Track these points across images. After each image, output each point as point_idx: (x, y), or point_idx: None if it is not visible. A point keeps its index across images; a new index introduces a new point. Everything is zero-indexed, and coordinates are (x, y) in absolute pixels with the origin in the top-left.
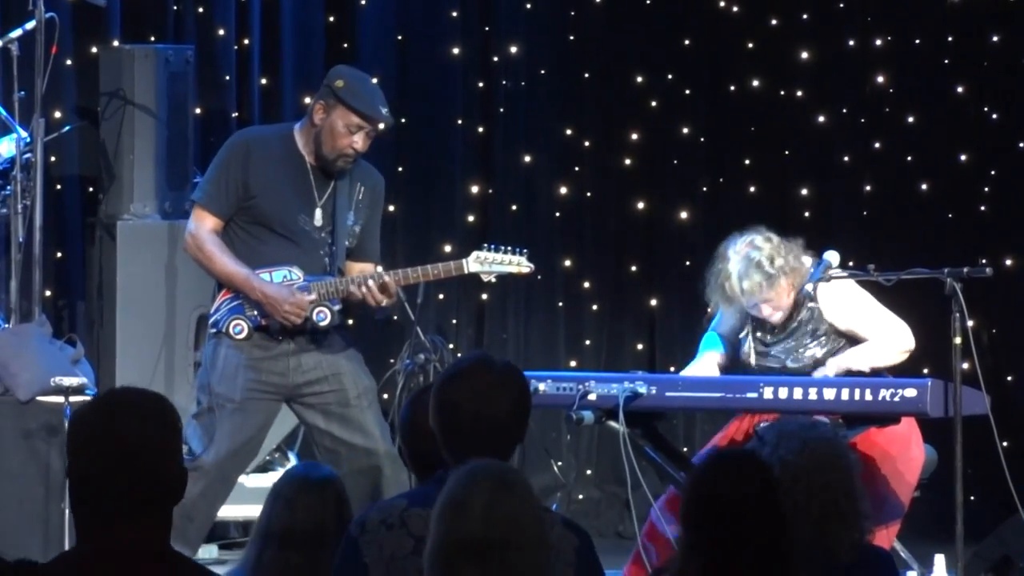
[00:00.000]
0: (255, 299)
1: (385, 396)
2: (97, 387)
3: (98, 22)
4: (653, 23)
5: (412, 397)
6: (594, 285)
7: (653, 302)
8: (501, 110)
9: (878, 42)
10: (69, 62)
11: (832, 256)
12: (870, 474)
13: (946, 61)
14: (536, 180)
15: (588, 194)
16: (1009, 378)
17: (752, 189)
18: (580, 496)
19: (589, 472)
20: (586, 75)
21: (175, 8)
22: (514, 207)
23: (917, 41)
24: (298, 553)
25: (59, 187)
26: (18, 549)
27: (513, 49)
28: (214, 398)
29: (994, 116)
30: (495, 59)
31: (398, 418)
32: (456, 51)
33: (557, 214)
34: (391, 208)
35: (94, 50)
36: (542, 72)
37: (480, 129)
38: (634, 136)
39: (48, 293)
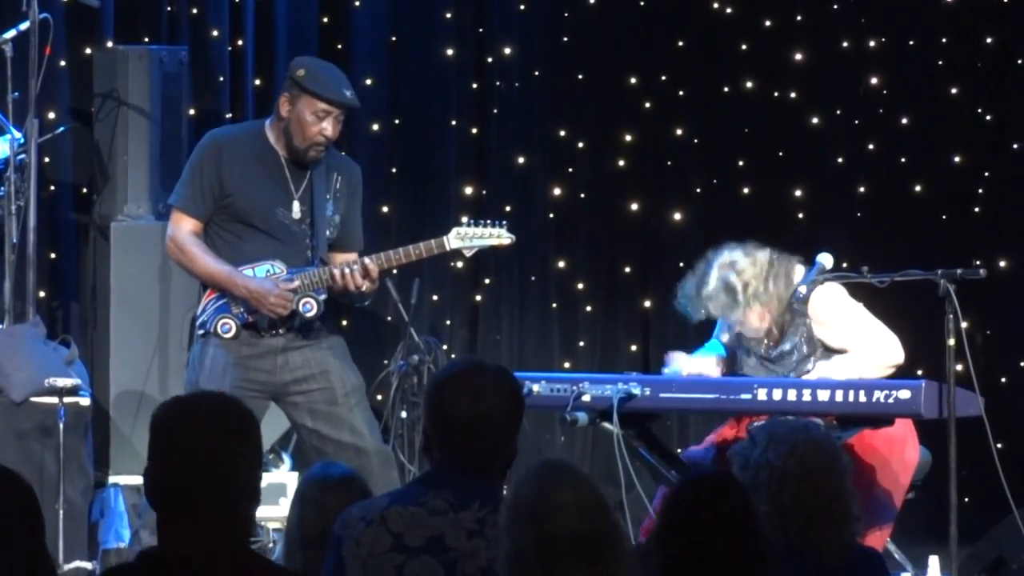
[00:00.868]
0: (240, 295)
1: (379, 397)
2: (91, 388)
3: (92, 23)
4: (647, 24)
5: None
6: (588, 286)
7: (647, 303)
8: (495, 111)
9: (872, 43)
10: (63, 63)
11: (825, 258)
12: (864, 475)
13: (940, 62)
14: (530, 181)
15: (582, 195)
16: (1003, 379)
17: (746, 190)
18: None
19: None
20: (580, 76)
21: (169, 9)
22: (508, 208)
23: (911, 42)
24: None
25: (53, 188)
26: None
27: (507, 50)
28: None
29: (988, 117)
30: (489, 60)
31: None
32: (450, 52)
33: (551, 215)
34: (384, 209)
35: (88, 51)
36: (536, 73)
37: (474, 130)
38: (628, 137)
39: (42, 294)
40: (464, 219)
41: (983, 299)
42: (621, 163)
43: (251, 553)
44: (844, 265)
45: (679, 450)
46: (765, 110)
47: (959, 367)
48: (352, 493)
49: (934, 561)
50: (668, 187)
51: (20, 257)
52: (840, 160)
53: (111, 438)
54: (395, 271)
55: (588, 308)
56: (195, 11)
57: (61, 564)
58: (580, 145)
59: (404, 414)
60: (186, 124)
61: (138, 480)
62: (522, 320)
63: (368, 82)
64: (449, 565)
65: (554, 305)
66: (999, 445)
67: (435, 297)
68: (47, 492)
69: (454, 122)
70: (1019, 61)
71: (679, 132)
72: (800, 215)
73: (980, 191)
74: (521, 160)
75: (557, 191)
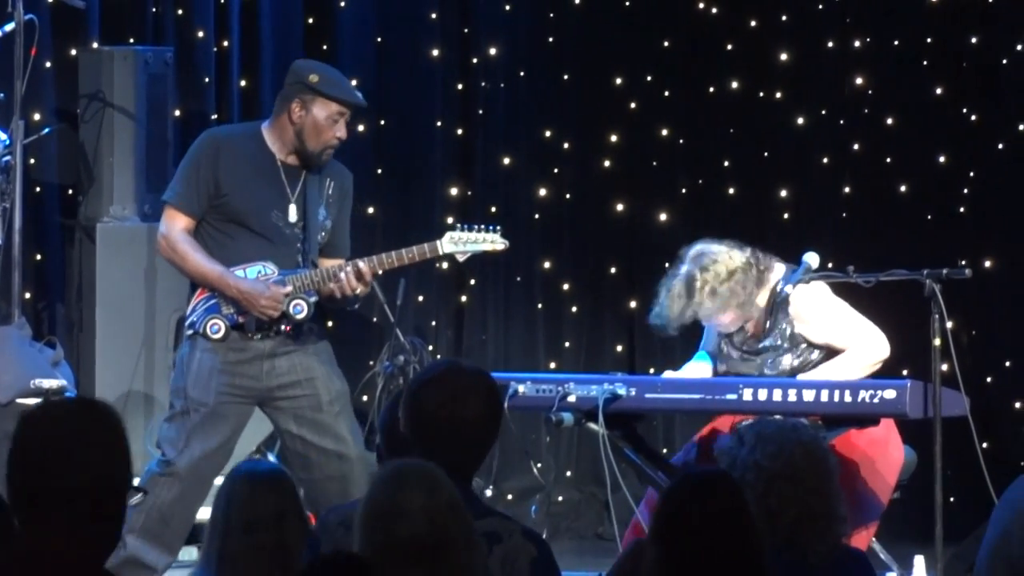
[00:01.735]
0: (231, 296)
1: (364, 398)
2: (77, 389)
3: (77, 24)
4: (632, 25)
5: (391, 402)
6: (573, 287)
7: (632, 304)
8: (480, 111)
9: (857, 43)
10: (48, 64)
11: (812, 258)
12: (849, 476)
13: (925, 62)
14: (515, 182)
15: (567, 196)
16: (988, 379)
17: (731, 190)
18: (560, 498)
19: (569, 474)
20: (565, 76)
21: (154, 10)
22: (493, 209)
23: (896, 42)
24: (266, 533)
25: (38, 189)
26: None
27: (492, 51)
28: (188, 402)
29: (973, 117)
30: (474, 61)
31: (378, 422)
32: (435, 53)
33: (536, 216)
34: (370, 210)
35: (73, 52)
36: (521, 74)
37: (459, 131)
38: (613, 138)
39: (27, 295)
40: (458, 224)
41: (968, 299)
42: (607, 163)
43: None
44: (830, 265)
45: (664, 451)
46: (750, 110)
47: (944, 367)
48: (283, 488)
49: (919, 561)
50: (654, 187)
51: (5, 258)
52: (825, 160)
53: None
54: (380, 272)
55: (574, 309)
56: (180, 12)
57: None
58: (566, 146)
59: None
60: (172, 125)
61: None
62: (507, 321)
63: (353, 83)
64: None
65: (539, 306)
66: (984, 445)
67: (420, 298)
68: None
69: (439, 123)
70: (1004, 61)
71: (664, 132)
72: (785, 215)
73: (965, 191)
74: (507, 161)
75: (543, 192)
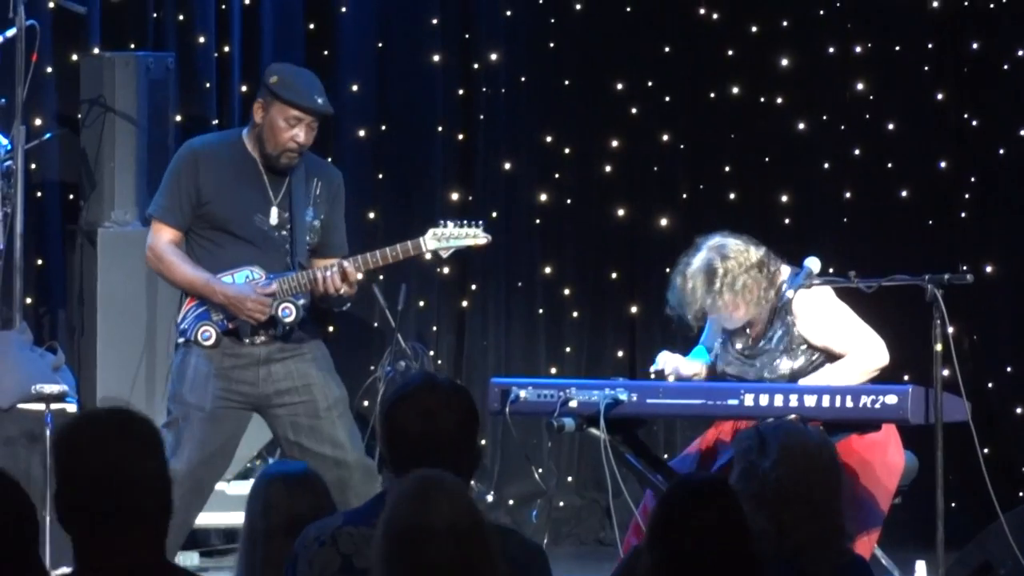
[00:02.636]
0: (218, 302)
1: (365, 403)
2: (78, 394)
3: (78, 29)
4: (633, 30)
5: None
6: (575, 292)
7: (634, 309)
8: (481, 117)
9: (858, 49)
10: (49, 69)
11: (813, 262)
12: (850, 481)
13: (926, 68)
14: (516, 187)
15: (568, 201)
16: (990, 385)
17: (732, 196)
18: (561, 503)
19: (570, 479)
20: (566, 82)
21: (155, 16)
22: (494, 214)
23: (897, 48)
24: None
25: (40, 194)
26: None
27: (493, 56)
28: (185, 407)
29: (974, 123)
30: (475, 66)
31: (377, 425)
32: (436, 58)
33: (537, 221)
34: (371, 215)
35: (74, 57)
36: (522, 79)
37: (460, 136)
38: (614, 143)
39: (29, 300)
40: (440, 220)
41: (970, 304)
42: (607, 169)
43: (169, 565)
44: (831, 271)
45: (665, 456)
46: (751, 116)
47: (946, 372)
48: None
49: (921, 566)
50: (654, 193)
51: (6, 263)
52: (826, 165)
53: None
54: (381, 277)
55: (575, 314)
56: (181, 18)
57: (48, 571)
58: (566, 151)
59: None
60: (173, 130)
61: None
62: (508, 326)
63: (354, 88)
64: None
65: (540, 311)
66: (986, 450)
67: (422, 303)
68: (34, 499)
69: (440, 128)
70: (1005, 67)
71: (665, 138)
72: (787, 220)
73: (966, 196)
74: (507, 166)
75: (543, 197)
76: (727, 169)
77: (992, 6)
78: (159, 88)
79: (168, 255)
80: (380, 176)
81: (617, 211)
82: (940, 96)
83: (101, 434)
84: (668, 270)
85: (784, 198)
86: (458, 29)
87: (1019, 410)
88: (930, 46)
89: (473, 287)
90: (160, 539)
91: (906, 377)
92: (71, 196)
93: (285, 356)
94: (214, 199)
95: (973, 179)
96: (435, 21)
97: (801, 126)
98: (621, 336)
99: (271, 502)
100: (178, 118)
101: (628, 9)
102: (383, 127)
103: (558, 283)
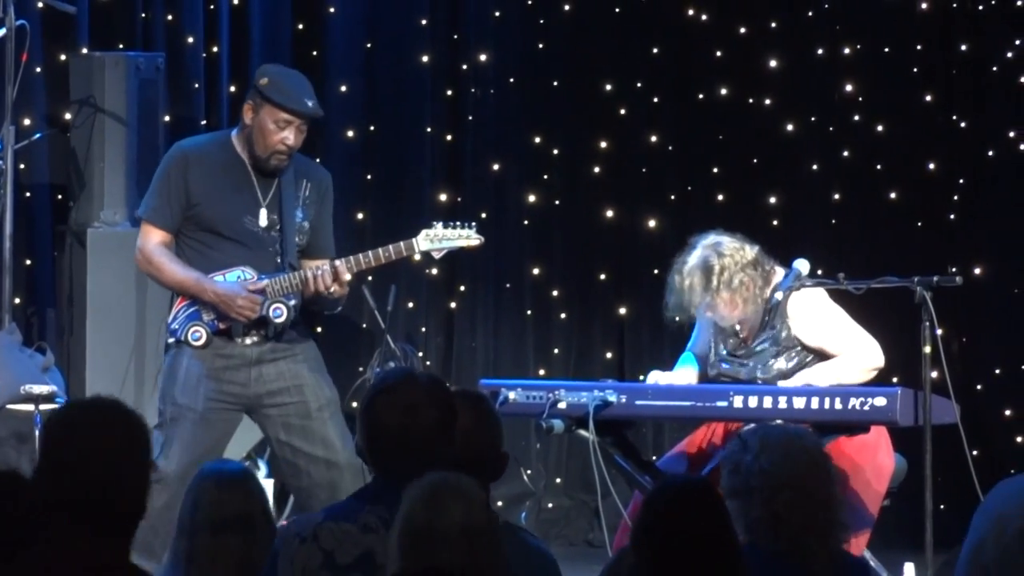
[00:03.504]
0: (208, 300)
1: (355, 404)
2: (67, 395)
3: (67, 30)
4: (622, 31)
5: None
6: (563, 293)
7: (622, 310)
8: (470, 118)
9: (847, 50)
10: (39, 69)
11: (802, 264)
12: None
13: (915, 69)
14: (505, 188)
15: (557, 202)
16: (979, 387)
17: (720, 197)
18: (550, 504)
19: (559, 480)
20: (555, 83)
21: (144, 16)
22: (483, 215)
23: (886, 49)
24: (233, 535)
25: (29, 195)
26: None
27: (482, 57)
28: (176, 408)
29: (963, 124)
30: (464, 67)
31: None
32: (425, 59)
33: (526, 222)
34: (359, 216)
35: (63, 57)
36: (511, 80)
37: (449, 137)
38: (603, 144)
39: (18, 301)
40: (432, 221)
41: (959, 306)
42: (596, 170)
43: (133, 567)
44: (820, 272)
45: (654, 458)
46: (740, 117)
47: (935, 374)
48: (250, 488)
49: (910, 568)
50: (643, 194)
51: None
52: (815, 167)
53: None
54: (370, 277)
55: (563, 315)
56: (170, 18)
57: None
58: (555, 152)
59: None
60: (162, 131)
61: None
62: (497, 327)
63: (343, 89)
64: None
65: (529, 312)
66: (974, 452)
67: (411, 304)
68: None
69: (429, 129)
70: (994, 68)
71: (654, 139)
72: (775, 222)
73: (955, 198)
74: (496, 167)
75: (532, 198)
76: (716, 170)
77: (981, 8)
78: (149, 88)
79: (158, 256)
80: (368, 177)
81: (606, 212)
82: (929, 98)
83: (87, 423)
84: (657, 271)
85: (773, 199)
86: (447, 30)
87: (1008, 412)
88: (919, 48)
89: (462, 288)
90: (126, 540)
91: (895, 379)
92: (60, 196)
93: (277, 357)
94: (204, 201)
95: (962, 181)
96: (424, 22)
97: (790, 127)
98: (609, 337)
99: (199, 499)
100: (167, 118)
101: (617, 10)
102: (371, 128)
103: (546, 284)
